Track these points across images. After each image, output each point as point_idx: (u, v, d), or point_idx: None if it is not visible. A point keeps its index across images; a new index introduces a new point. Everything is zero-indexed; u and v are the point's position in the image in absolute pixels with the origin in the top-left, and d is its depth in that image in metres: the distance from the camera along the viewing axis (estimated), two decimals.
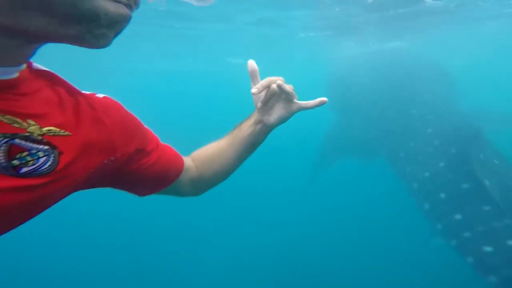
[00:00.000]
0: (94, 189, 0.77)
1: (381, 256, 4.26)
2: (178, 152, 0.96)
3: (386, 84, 5.06)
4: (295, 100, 0.92)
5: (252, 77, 0.92)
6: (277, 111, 0.94)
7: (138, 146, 0.77)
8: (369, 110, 4.85)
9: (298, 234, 4.79)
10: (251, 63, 0.91)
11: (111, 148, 0.69)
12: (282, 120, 0.95)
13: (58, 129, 0.58)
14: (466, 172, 2.79)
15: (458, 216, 2.75)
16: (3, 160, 0.51)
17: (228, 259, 4.59)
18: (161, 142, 0.90)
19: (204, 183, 1.01)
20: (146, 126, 0.84)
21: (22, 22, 0.49)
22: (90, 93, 0.71)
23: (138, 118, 0.81)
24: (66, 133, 0.60)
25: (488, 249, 2.51)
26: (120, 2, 0.55)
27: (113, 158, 0.71)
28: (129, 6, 0.57)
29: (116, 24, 0.55)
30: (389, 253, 4.25)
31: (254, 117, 0.97)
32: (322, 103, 0.92)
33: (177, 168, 0.92)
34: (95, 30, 0.53)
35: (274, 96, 0.92)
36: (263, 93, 0.92)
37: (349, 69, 6.21)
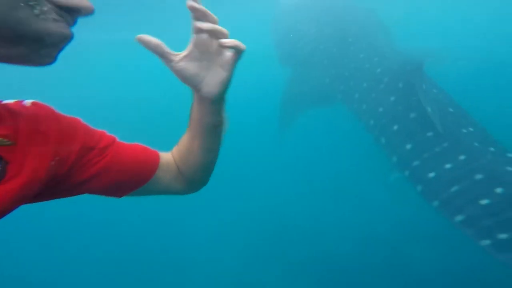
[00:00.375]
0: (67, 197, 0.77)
1: (349, 196, 4.66)
2: (151, 149, 0.89)
3: (333, 32, 5.22)
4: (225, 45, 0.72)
5: (159, 53, 0.71)
6: (213, 75, 0.75)
7: (84, 144, 0.74)
8: (321, 59, 5.03)
9: (274, 195, 4.95)
10: (143, 38, 0.69)
11: (53, 150, 0.68)
12: (225, 83, 0.76)
13: (1, 139, 0.59)
14: (412, 102, 3.08)
15: (408, 146, 3.01)
16: None
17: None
18: (124, 141, 0.85)
19: (190, 180, 0.95)
20: (92, 127, 0.81)
21: None
22: (16, 101, 0.68)
23: (78, 118, 0.78)
24: (9, 142, 0.60)
25: (432, 174, 2.75)
26: (60, 22, 0.55)
27: (58, 158, 0.69)
28: (69, 24, 0.58)
29: (60, 43, 0.57)
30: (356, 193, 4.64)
31: (196, 98, 0.80)
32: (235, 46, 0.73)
33: (149, 164, 0.86)
34: (40, 50, 0.55)
35: (202, 58, 0.74)
36: (189, 65, 0.73)
37: (294, 20, 6.25)
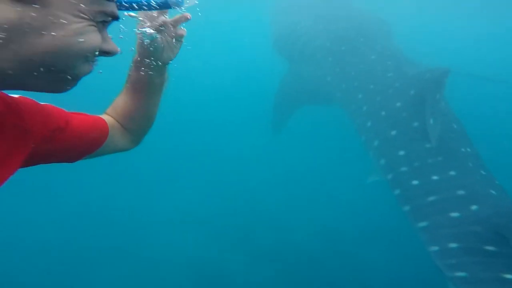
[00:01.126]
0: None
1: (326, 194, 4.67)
2: (95, 115, 0.98)
3: (342, 31, 5.11)
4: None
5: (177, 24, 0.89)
6: (172, 45, 0.91)
7: (47, 127, 0.80)
8: (325, 56, 4.92)
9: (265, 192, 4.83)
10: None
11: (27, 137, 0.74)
12: (177, 51, 0.93)
13: None
14: (419, 111, 3.09)
15: (401, 152, 3.05)
16: None
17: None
18: (71, 112, 0.93)
19: (135, 134, 1.06)
20: (46, 104, 0.86)
21: (22, 81, 0.60)
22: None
23: (32, 100, 0.82)
24: None
25: (415, 182, 2.82)
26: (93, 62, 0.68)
27: (33, 145, 0.75)
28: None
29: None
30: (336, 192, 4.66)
31: (142, 58, 0.92)
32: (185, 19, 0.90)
33: (102, 130, 0.96)
34: (67, 85, 0.67)
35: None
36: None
37: (300, 14, 6.04)
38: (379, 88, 3.71)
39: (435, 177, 2.81)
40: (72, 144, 0.88)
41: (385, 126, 3.36)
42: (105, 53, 0.68)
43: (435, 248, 2.47)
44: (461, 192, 2.67)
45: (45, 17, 0.56)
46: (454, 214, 2.56)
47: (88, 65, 0.67)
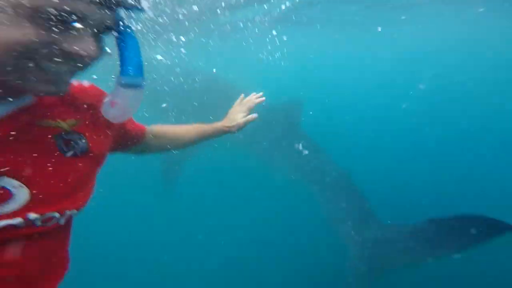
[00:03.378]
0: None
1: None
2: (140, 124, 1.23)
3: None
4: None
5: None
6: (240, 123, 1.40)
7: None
8: None
9: None
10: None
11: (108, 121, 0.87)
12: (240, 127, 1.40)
13: (75, 120, 0.80)
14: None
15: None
16: (65, 148, 0.77)
17: None
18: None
19: (149, 150, 1.28)
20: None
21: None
22: (77, 84, 0.87)
23: None
24: (74, 121, 0.80)
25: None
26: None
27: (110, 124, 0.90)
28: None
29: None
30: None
31: (220, 127, 1.38)
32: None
33: (142, 132, 1.18)
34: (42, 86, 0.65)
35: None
36: (244, 108, 1.45)
37: None
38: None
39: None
40: (125, 128, 1.04)
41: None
42: (68, 53, 0.61)
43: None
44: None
45: None
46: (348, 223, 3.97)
47: (48, 64, 0.61)
